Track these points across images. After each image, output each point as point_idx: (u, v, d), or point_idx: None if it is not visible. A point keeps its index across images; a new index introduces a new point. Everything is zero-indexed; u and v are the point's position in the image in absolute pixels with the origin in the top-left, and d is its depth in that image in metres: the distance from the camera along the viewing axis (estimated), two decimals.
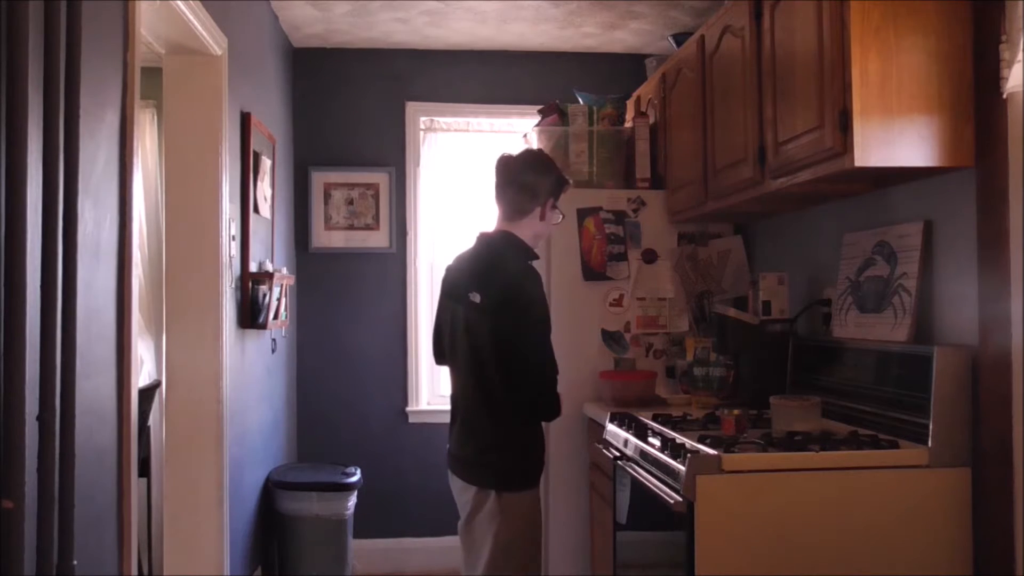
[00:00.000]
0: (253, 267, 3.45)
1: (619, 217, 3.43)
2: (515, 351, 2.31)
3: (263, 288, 3.48)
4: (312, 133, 4.50)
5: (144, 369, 4.00)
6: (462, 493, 2.46)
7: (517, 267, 2.39)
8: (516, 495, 2.36)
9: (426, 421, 4.44)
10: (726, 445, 2.12)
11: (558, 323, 3.36)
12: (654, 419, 2.62)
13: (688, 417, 2.62)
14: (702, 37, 3.01)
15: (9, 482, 1.40)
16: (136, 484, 2.11)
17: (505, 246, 2.45)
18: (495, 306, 2.33)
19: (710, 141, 2.90)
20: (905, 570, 2.03)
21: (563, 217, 2.63)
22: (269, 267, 3.65)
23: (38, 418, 1.51)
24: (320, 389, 4.47)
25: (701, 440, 2.19)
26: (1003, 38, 1.94)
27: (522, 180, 2.46)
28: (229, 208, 3.12)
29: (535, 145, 3.56)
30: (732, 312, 3.01)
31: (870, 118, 2.00)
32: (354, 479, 3.88)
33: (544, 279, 3.36)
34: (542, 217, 2.48)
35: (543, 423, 2.51)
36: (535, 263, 2.48)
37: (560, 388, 2.50)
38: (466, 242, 2.60)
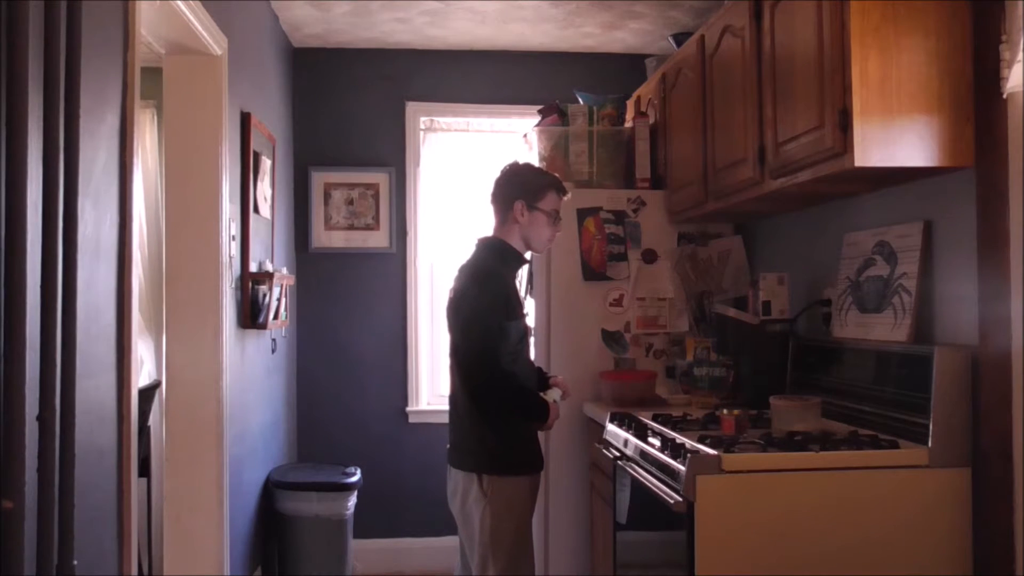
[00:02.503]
0: (253, 267, 3.45)
1: (619, 217, 3.43)
2: (458, 340, 2.57)
3: (263, 288, 3.48)
4: (312, 133, 4.50)
5: (144, 369, 4.00)
6: (452, 477, 2.64)
7: (480, 267, 2.61)
8: (500, 479, 2.52)
9: (426, 421, 4.44)
10: (726, 445, 2.12)
11: (558, 323, 3.39)
12: (654, 419, 2.62)
13: (688, 417, 2.62)
14: (702, 37, 3.01)
15: (9, 482, 1.40)
16: (136, 484, 2.11)
17: (483, 248, 2.67)
18: (456, 299, 2.61)
19: (710, 141, 2.90)
20: (905, 570, 2.03)
21: (548, 215, 2.66)
22: (269, 267, 3.65)
23: (38, 418, 1.51)
24: (320, 389, 4.47)
25: (701, 440, 2.19)
26: (1003, 38, 1.94)
27: (495, 192, 2.70)
28: (229, 208, 3.12)
29: (535, 145, 3.56)
30: (732, 312, 3.01)
31: (870, 118, 2.00)
32: (354, 479, 3.88)
33: (544, 279, 3.39)
34: (515, 220, 2.64)
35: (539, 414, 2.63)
36: (525, 264, 2.75)
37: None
38: (469, 243, 2.77)
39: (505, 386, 2.50)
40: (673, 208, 3.37)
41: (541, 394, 2.64)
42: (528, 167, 2.79)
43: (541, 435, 3.12)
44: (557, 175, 2.79)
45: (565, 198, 2.73)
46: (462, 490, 2.58)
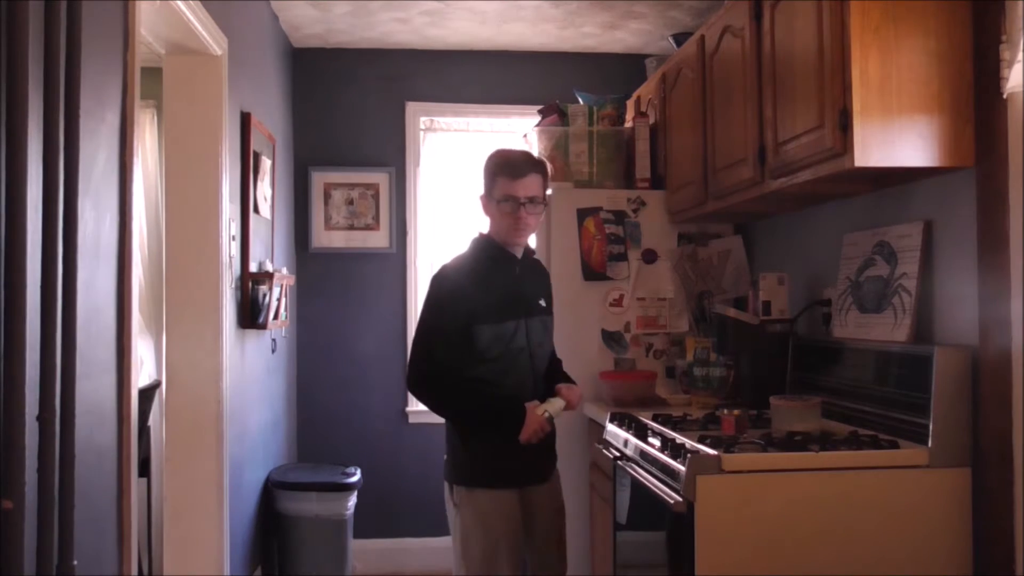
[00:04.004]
0: (253, 267, 3.45)
1: (619, 217, 3.43)
2: None
3: (263, 288, 3.48)
4: (312, 133, 4.50)
5: (144, 369, 4.00)
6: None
7: (446, 265, 2.53)
8: (469, 491, 2.43)
9: (426, 421, 4.42)
10: (726, 445, 2.12)
11: (558, 323, 3.38)
12: (654, 419, 2.62)
13: (688, 417, 2.62)
14: (702, 37, 3.01)
15: (9, 482, 1.40)
16: (136, 484, 2.11)
17: (469, 245, 2.57)
18: None
19: (710, 141, 2.90)
20: (905, 570, 2.03)
21: (499, 203, 2.44)
22: (269, 267, 3.65)
23: (38, 418, 1.51)
24: (320, 389, 4.47)
25: (701, 440, 2.19)
26: (1003, 38, 1.94)
27: None
28: (229, 208, 3.12)
29: (535, 145, 3.56)
30: (732, 312, 3.01)
31: (870, 118, 2.00)
32: (354, 479, 3.88)
33: None
34: (485, 211, 2.53)
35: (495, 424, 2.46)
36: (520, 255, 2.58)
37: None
38: (465, 243, 2.67)
39: (435, 389, 2.41)
40: (673, 208, 3.37)
41: (534, 403, 2.42)
42: (490, 155, 2.54)
43: None
44: (510, 157, 2.50)
45: (523, 179, 2.42)
46: (445, 498, 2.54)
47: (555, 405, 2.42)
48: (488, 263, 2.49)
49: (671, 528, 2.13)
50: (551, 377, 2.59)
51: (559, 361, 2.71)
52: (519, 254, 2.54)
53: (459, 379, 2.41)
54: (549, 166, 2.63)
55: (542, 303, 2.57)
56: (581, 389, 2.59)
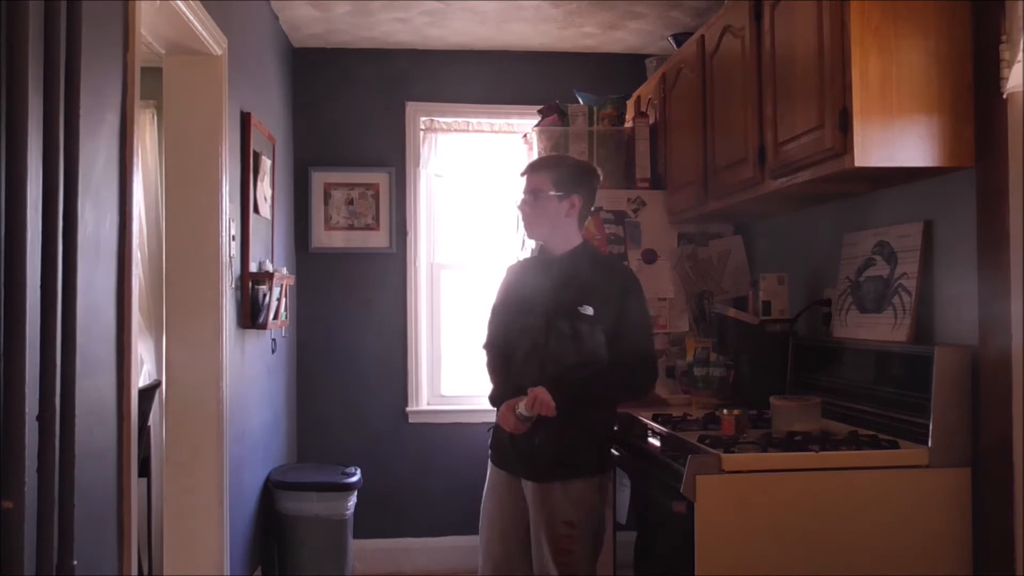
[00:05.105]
0: (253, 267, 3.45)
1: (619, 217, 3.43)
2: None
3: (263, 288, 3.48)
4: (312, 133, 4.50)
5: (144, 369, 4.00)
6: None
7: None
8: (490, 458, 2.64)
9: (426, 421, 4.44)
10: (726, 445, 2.12)
11: None
12: (654, 419, 2.62)
13: (688, 417, 2.62)
14: (702, 37, 3.01)
15: (9, 482, 1.40)
16: (136, 484, 2.11)
17: None
18: None
19: (710, 141, 2.90)
20: (905, 570, 2.03)
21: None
22: (269, 267, 3.65)
23: (38, 418, 1.51)
24: (320, 389, 4.47)
25: (701, 440, 2.19)
26: (1003, 38, 1.94)
27: None
28: (229, 208, 3.12)
29: (535, 145, 3.56)
30: (732, 312, 3.01)
31: (870, 118, 2.01)
32: (354, 479, 3.88)
33: None
34: None
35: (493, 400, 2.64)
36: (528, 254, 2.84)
37: None
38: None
39: (486, 354, 2.69)
40: (673, 208, 3.37)
41: (516, 399, 2.44)
42: None
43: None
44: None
45: (526, 177, 2.61)
46: None
47: (522, 404, 2.40)
48: (527, 262, 2.72)
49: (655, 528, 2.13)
50: (574, 384, 2.43)
51: (598, 372, 2.45)
52: (561, 252, 2.57)
53: (496, 351, 2.64)
54: (573, 159, 2.74)
55: (582, 309, 2.44)
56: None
